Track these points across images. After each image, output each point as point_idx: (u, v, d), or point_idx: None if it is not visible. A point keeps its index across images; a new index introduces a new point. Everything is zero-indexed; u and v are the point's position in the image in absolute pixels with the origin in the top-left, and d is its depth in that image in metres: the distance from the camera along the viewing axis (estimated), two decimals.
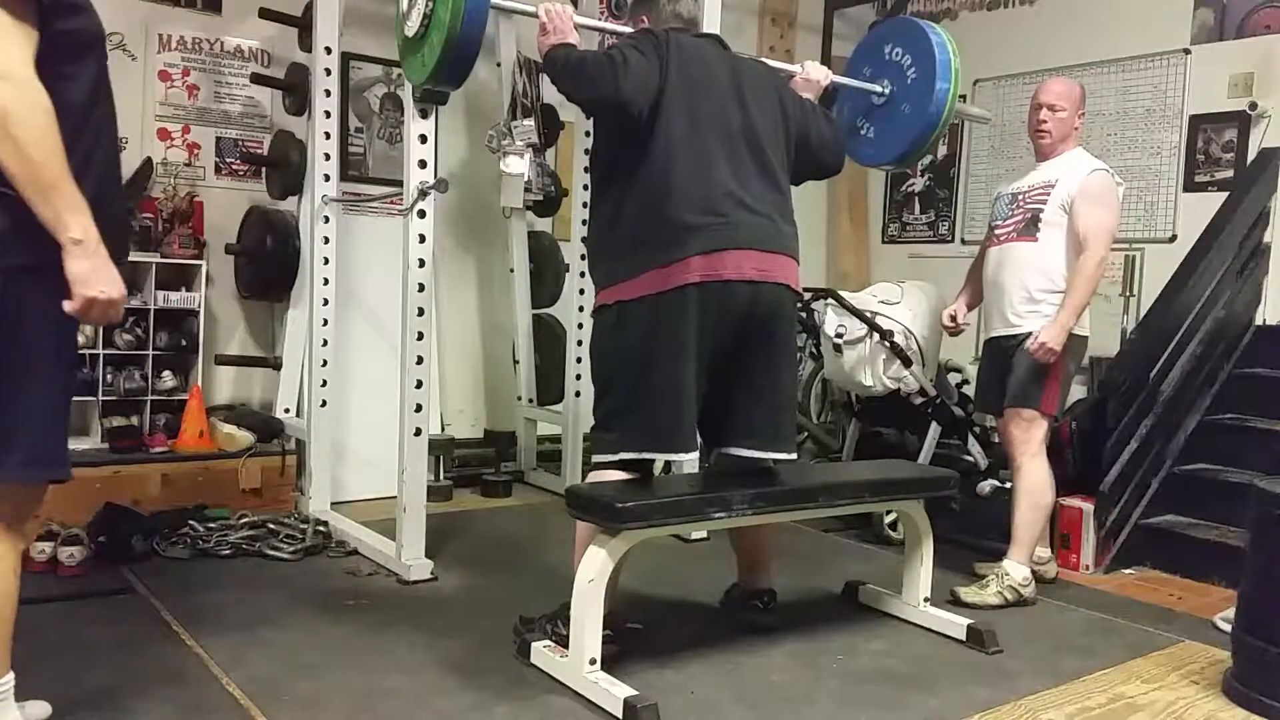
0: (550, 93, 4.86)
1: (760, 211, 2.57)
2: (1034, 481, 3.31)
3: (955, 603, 3.17)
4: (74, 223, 1.69)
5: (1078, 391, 4.69)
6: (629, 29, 2.80)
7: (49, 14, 1.70)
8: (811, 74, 3.03)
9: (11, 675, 1.92)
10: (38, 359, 1.78)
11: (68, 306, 1.73)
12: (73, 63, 1.76)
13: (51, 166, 1.66)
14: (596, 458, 2.63)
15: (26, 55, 1.66)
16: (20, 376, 1.76)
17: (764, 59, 3.07)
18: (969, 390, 4.29)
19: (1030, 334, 3.28)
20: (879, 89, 3.35)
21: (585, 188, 4.30)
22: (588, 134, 4.19)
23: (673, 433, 2.54)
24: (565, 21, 2.59)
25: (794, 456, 2.75)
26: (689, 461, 2.72)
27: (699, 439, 2.66)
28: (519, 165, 4.17)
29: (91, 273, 1.72)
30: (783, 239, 2.62)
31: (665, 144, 2.50)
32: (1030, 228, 3.33)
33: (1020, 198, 3.40)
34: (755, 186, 2.58)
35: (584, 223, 4.41)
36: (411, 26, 2.47)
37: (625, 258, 2.55)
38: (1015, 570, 3.27)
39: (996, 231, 3.46)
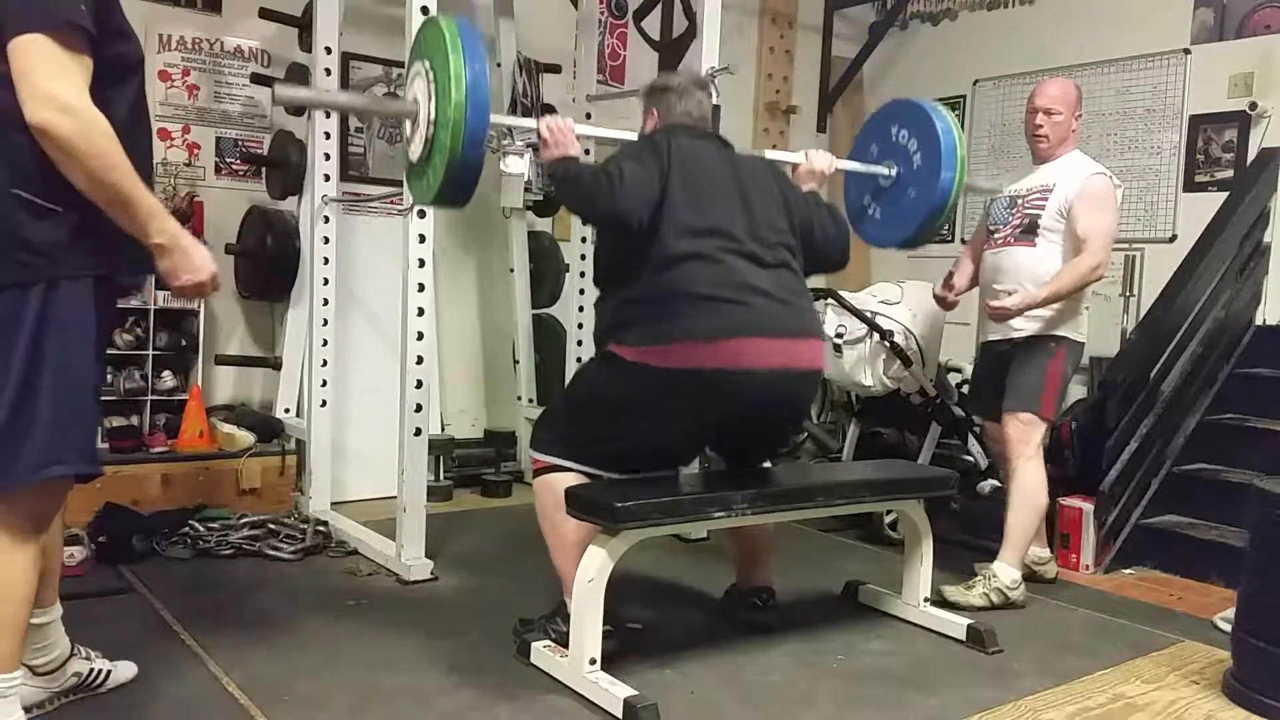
0: (550, 92, 4.87)
1: (778, 297, 2.54)
2: (1031, 484, 3.29)
3: (940, 602, 3.15)
4: (152, 228, 1.84)
5: (1078, 391, 4.70)
6: (633, 136, 2.82)
7: (98, 42, 1.78)
8: (815, 164, 2.99)
9: (20, 672, 1.93)
10: (83, 360, 1.86)
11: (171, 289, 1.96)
12: (116, 85, 1.85)
13: (123, 183, 1.77)
14: (535, 454, 2.68)
15: (82, 84, 1.74)
16: (71, 376, 1.84)
17: (766, 152, 3.09)
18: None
19: (1029, 338, 3.29)
20: (885, 171, 3.22)
21: None
22: None
23: (619, 462, 2.60)
24: (567, 135, 2.61)
25: None
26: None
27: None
28: (519, 165, 4.15)
29: (174, 267, 1.90)
30: (805, 320, 2.62)
31: (669, 244, 2.49)
32: (1028, 233, 3.32)
33: (1018, 201, 3.39)
34: (769, 275, 2.55)
35: (584, 239, 4.43)
36: (415, 151, 2.49)
37: (631, 331, 2.54)
38: (1004, 573, 3.25)
39: (994, 235, 3.45)
